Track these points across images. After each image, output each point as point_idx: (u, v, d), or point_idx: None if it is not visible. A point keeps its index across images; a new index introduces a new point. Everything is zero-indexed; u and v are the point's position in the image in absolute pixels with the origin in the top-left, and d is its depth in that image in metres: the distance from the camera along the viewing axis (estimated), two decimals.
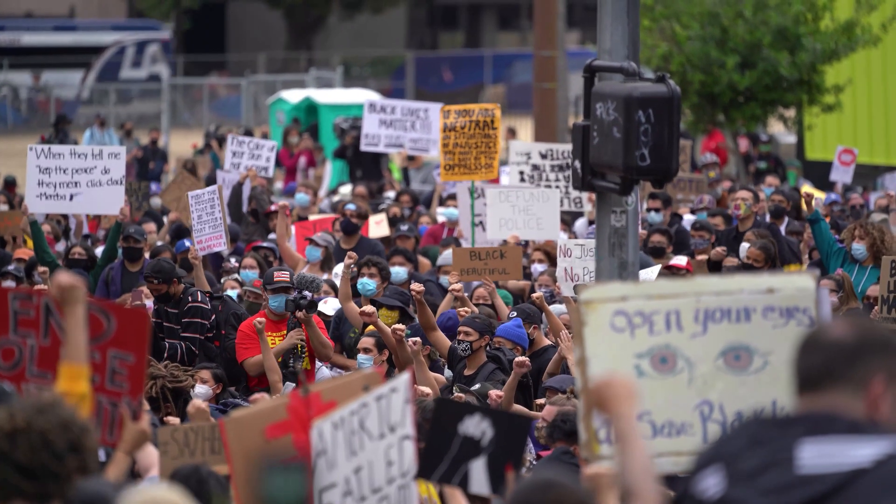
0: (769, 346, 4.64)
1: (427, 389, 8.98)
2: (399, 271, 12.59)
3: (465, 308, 10.97)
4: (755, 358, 4.66)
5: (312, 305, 10.70)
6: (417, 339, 9.71)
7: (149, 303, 11.31)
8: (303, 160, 23.28)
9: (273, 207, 15.09)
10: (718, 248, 13.19)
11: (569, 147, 14.68)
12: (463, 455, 5.18)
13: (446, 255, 12.75)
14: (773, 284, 4.67)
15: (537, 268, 13.07)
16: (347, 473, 5.21)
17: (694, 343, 4.67)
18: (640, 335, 4.67)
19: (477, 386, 9.33)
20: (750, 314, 4.66)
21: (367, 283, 11.40)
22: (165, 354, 10.88)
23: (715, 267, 13.28)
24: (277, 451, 5.25)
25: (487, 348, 10.11)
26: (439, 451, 5.19)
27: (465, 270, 12.39)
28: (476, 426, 5.17)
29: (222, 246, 13.57)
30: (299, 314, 10.51)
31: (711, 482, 3.79)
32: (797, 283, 4.67)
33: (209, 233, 13.66)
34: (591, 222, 14.78)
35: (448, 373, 10.28)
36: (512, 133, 29.55)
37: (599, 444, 4.54)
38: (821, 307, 4.64)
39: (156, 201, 18.72)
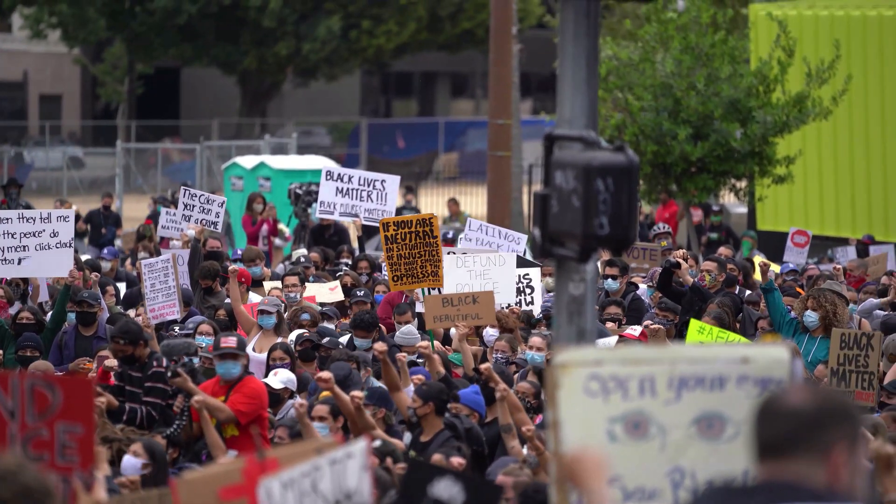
0: (743, 416, 4.63)
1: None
2: (363, 343, 12.47)
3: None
4: (728, 427, 4.65)
5: (192, 372, 10.61)
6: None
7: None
8: (265, 228, 23.23)
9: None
10: (679, 252, 13.66)
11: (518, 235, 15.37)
12: None
13: (406, 330, 12.66)
14: (748, 354, 4.68)
15: (489, 332, 13.08)
16: None
17: (667, 410, 4.67)
18: (614, 400, 4.66)
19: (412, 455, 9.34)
20: (724, 383, 4.66)
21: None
22: (125, 417, 10.69)
23: (668, 281, 13.69)
24: None
25: (445, 415, 10.08)
26: None
27: (439, 317, 12.48)
28: (447, 489, 5.13)
29: (175, 314, 13.47)
30: (176, 381, 10.34)
31: None
32: (772, 354, 4.68)
33: (163, 301, 13.58)
34: (548, 291, 14.81)
35: (407, 438, 10.23)
36: (455, 203, 29.73)
37: None
38: (795, 379, 4.65)
39: (106, 265, 18.60)
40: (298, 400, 10.08)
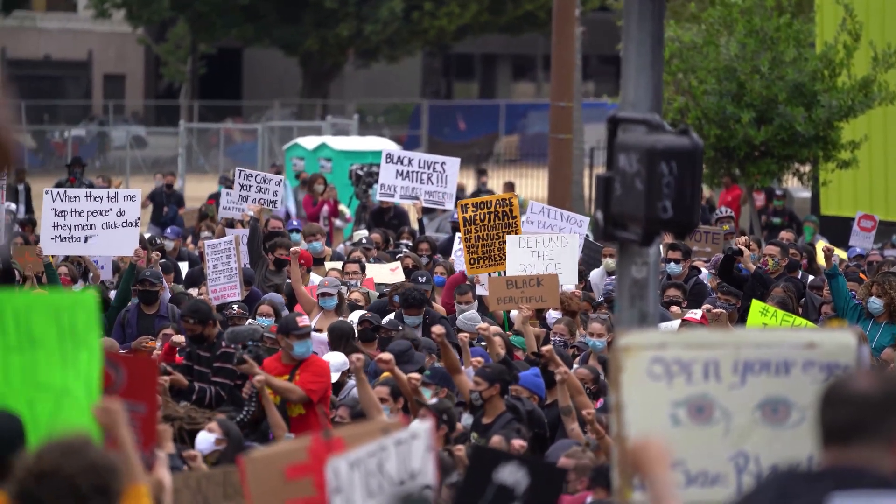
0: (808, 401, 4.61)
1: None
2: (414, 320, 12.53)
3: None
4: (793, 412, 4.63)
5: (258, 358, 10.67)
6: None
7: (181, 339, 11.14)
8: (326, 209, 23.25)
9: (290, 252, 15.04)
10: (741, 239, 13.58)
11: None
12: (496, 503, 5.16)
13: (468, 316, 12.65)
14: (814, 339, 4.66)
15: (552, 314, 13.06)
16: None
17: (732, 394, 4.66)
18: (678, 384, 4.66)
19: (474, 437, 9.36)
20: (790, 368, 4.64)
21: None
22: (194, 397, 10.77)
23: (730, 268, 13.62)
24: (296, 491, 5.24)
25: (505, 397, 10.09)
26: (472, 497, 5.16)
27: (503, 299, 12.46)
28: (511, 474, 5.14)
29: (237, 296, 13.56)
30: (242, 367, 10.39)
31: None
32: (838, 339, 4.65)
33: (224, 282, 13.68)
34: (609, 274, 14.78)
35: (466, 420, 10.25)
36: (510, 187, 29.67)
37: (632, 491, 4.52)
38: (861, 365, 4.62)
39: (169, 245, 18.76)
40: (356, 355, 10.11)
